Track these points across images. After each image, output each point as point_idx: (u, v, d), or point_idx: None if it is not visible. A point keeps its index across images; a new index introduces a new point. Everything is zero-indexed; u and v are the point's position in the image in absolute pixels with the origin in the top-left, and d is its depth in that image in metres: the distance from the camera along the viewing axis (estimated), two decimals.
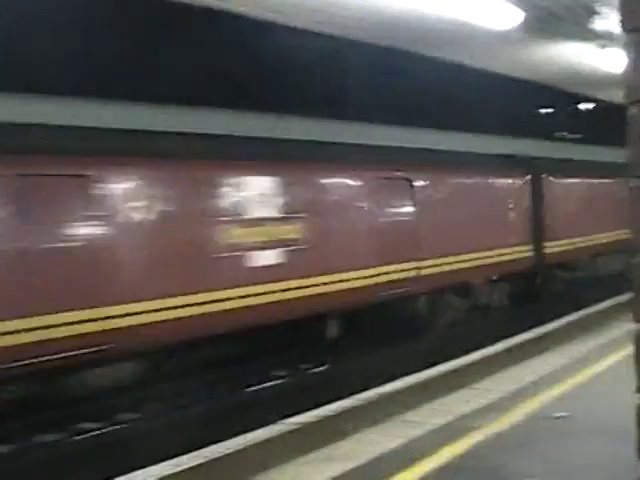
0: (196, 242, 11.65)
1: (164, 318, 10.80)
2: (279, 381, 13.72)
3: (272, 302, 12.55)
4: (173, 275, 11.24)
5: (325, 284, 13.64)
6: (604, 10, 8.21)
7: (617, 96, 14.69)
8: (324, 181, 14.69)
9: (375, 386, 10.47)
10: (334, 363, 14.87)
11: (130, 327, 10.39)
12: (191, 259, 11.52)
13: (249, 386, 13.17)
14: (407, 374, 11.11)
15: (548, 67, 11.15)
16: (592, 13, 8.27)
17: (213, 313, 11.54)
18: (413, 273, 15.86)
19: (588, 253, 24.98)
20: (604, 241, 24.96)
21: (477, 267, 18.29)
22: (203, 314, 11.37)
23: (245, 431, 8.30)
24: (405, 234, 15.85)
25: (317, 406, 9.45)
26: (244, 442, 7.94)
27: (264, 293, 12.43)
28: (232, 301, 11.83)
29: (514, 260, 20.10)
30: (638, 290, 1.35)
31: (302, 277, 13.18)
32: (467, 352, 12.74)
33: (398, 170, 16.26)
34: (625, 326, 14.29)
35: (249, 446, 7.82)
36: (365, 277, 14.76)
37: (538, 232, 21.44)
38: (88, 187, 10.19)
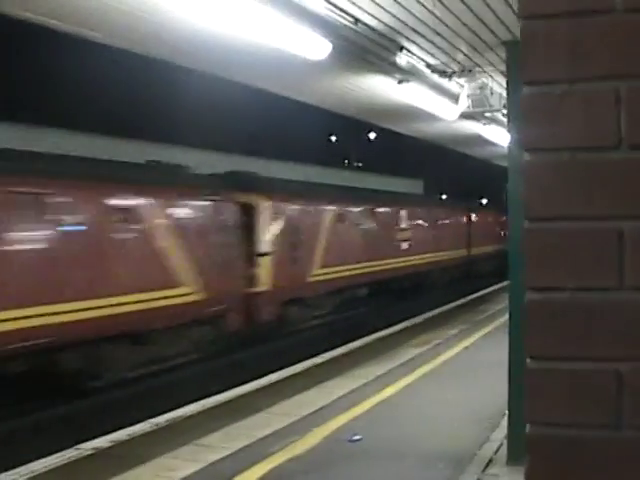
0: None
1: None
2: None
3: None
4: None
5: None
6: (409, 46, 8.56)
7: (413, 129, 15.33)
8: None
9: (167, 411, 10.37)
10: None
11: None
12: None
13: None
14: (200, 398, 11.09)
15: (349, 98, 11.48)
16: (398, 48, 8.60)
17: None
18: None
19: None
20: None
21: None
22: None
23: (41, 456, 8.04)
24: None
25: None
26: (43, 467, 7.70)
27: None
28: None
29: None
30: (530, 324, 1.42)
31: None
32: (261, 376, 12.84)
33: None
34: (417, 350, 14.89)
35: (43, 472, 7.58)
36: None
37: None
38: None
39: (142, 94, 34.24)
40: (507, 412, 8.55)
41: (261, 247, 17.80)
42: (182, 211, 15.43)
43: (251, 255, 17.65)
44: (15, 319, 11.36)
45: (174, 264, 14.81)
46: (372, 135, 54.06)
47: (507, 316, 18.81)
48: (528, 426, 1.45)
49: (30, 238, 12.10)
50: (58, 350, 12.39)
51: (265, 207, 18.07)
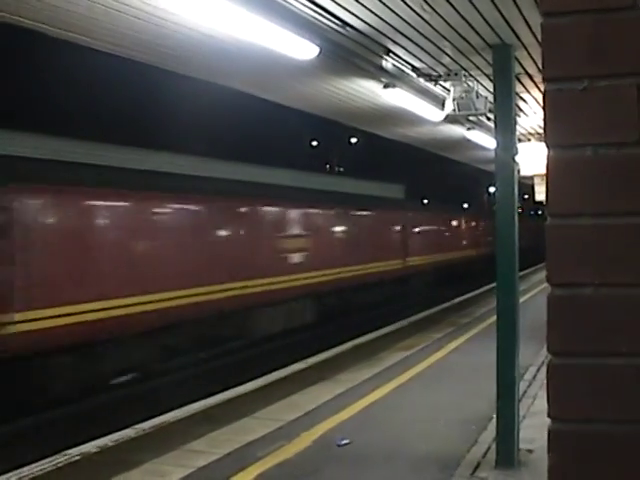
0: None
1: None
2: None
3: None
4: None
5: None
6: (396, 49, 8.58)
7: (397, 133, 15.36)
8: None
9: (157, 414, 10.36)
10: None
11: None
12: None
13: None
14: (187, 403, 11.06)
15: (334, 102, 11.49)
16: (385, 52, 8.61)
17: None
18: None
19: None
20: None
21: None
22: None
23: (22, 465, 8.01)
24: None
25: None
26: (30, 473, 7.67)
27: None
28: None
29: None
30: (553, 321, 1.42)
31: None
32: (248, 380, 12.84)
33: None
34: (403, 353, 14.90)
35: (35, 477, 7.55)
36: None
37: None
38: None
39: (120, 96, 34.10)
40: (495, 415, 8.58)
41: None
42: None
43: None
44: None
45: None
46: (353, 140, 54.13)
47: (494, 319, 19.06)
48: (550, 423, 1.45)
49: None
50: None
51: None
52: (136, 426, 9.80)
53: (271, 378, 13.16)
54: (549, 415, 1.45)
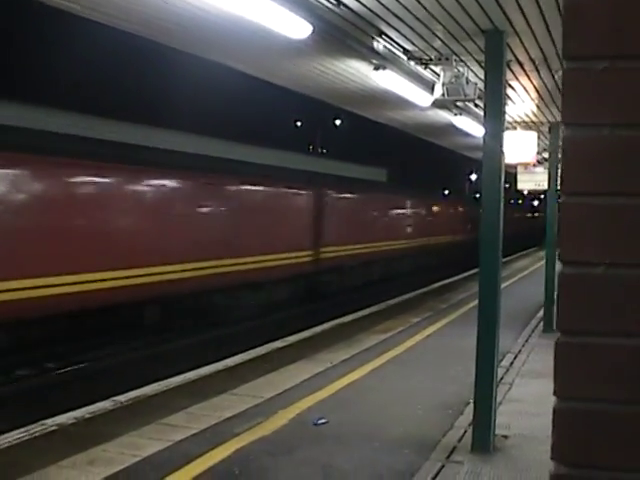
0: None
1: None
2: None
3: None
4: None
5: None
6: (388, 31, 8.55)
7: (384, 116, 15.33)
8: None
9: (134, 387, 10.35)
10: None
11: None
12: None
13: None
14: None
15: (324, 82, 11.45)
16: (378, 33, 8.58)
17: None
18: None
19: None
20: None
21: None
22: None
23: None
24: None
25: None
26: (6, 442, 7.64)
27: None
28: None
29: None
30: (563, 299, 1.42)
31: None
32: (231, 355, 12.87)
33: None
34: (380, 336, 14.94)
35: (11, 446, 7.52)
36: None
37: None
38: None
39: (109, 70, 33.91)
40: (473, 400, 8.62)
41: None
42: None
43: None
44: None
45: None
46: (338, 122, 54.06)
47: (471, 304, 19.17)
48: (556, 400, 1.45)
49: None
50: None
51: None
52: (113, 398, 9.79)
53: (250, 355, 13.17)
54: (555, 393, 1.45)
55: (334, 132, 54.97)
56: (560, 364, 1.45)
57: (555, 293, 18.81)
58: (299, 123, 55.37)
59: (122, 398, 9.89)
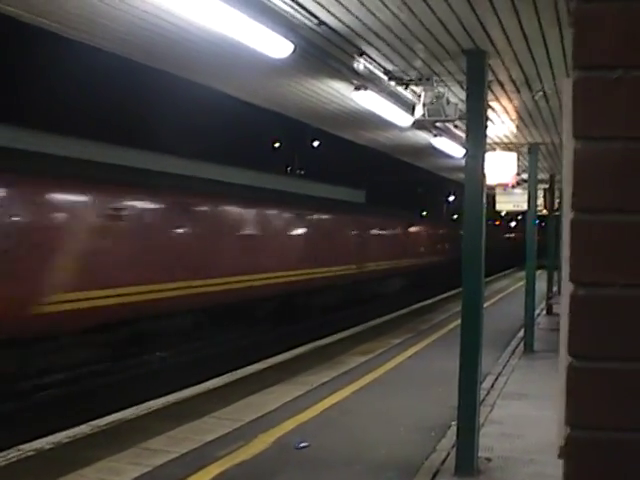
0: None
1: None
2: None
3: None
4: None
5: None
6: (369, 51, 8.50)
7: (363, 137, 15.30)
8: None
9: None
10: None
11: None
12: None
13: None
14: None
15: (304, 103, 11.40)
16: (359, 53, 8.53)
17: None
18: None
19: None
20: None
21: None
22: None
23: None
24: None
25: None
26: None
27: None
28: None
29: None
30: (575, 321, 1.35)
31: None
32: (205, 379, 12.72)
33: None
34: (361, 358, 14.84)
35: None
36: None
37: None
38: None
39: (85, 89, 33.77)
40: (456, 422, 8.54)
41: None
42: None
43: None
44: None
45: None
46: (316, 143, 54.13)
47: (452, 326, 19.12)
48: (568, 429, 1.38)
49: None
50: None
51: None
52: (91, 422, 9.64)
53: (230, 378, 13.03)
54: (567, 421, 1.37)
55: (312, 153, 55.01)
56: (572, 391, 1.37)
57: (536, 313, 18.86)
58: (277, 144, 55.36)
59: (101, 422, 9.73)
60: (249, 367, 14.16)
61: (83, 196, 14.89)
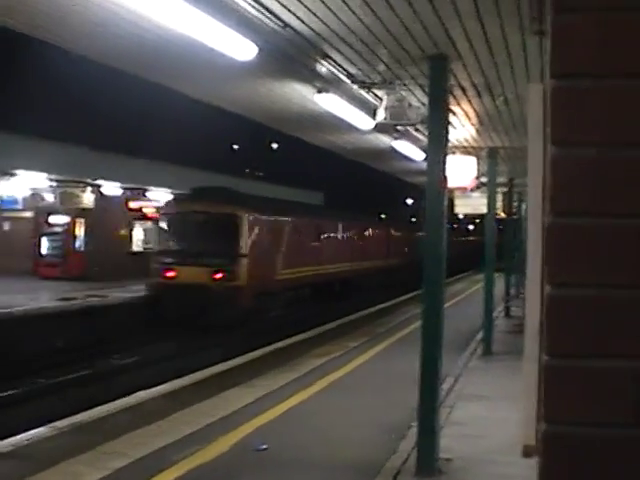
0: None
1: None
2: None
3: None
4: None
5: None
6: (333, 54, 8.56)
7: (324, 140, 15.37)
8: None
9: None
10: None
11: None
12: None
13: None
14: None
15: (266, 105, 11.44)
16: (322, 56, 8.58)
17: None
18: None
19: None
20: None
21: None
22: None
23: None
24: None
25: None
26: None
27: None
28: None
29: None
30: (549, 320, 1.41)
31: None
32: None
33: None
34: (320, 360, 14.88)
35: None
36: None
37: None
38: None
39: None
40: (416, 423, 8.62)
41: None
42: None
43: None
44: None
45: None
46: (275, 145, 54.15)
47: (409, 328, 19.24)
48: (544, 425, 1.43)
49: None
50: None
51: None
52: (51, 425, 9.57)
53: (187, 381, 13.01)
54: (544, 418, 1.43)
55: (271, 155, 55.03)
56: (548, 388, 1.43)
57: (494, 314, 19.01)
58: (236, 146, 55.29)
59: (61, 424, 9.68)
60: (206, 370, 14.15)
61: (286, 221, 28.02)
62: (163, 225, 24.41)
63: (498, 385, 12.41)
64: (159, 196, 34.53)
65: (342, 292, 33.04)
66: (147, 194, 33.72)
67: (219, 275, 22.46)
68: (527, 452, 3.08)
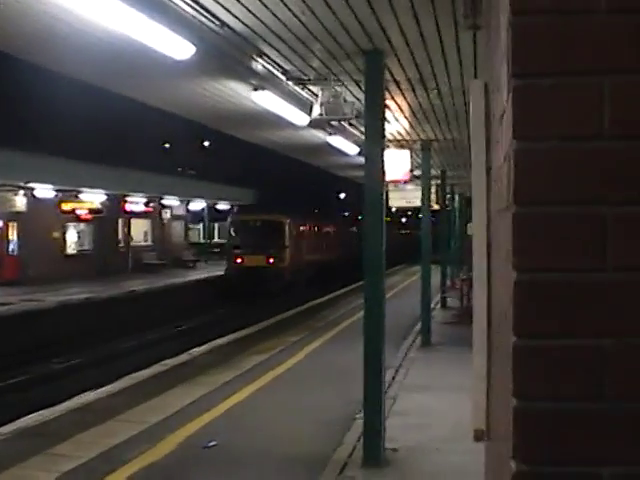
0: None
1: None
2: None
3: None
4: None
5: None
6: (269, 52, 8.61)
7: (260, 138, 15.40)
8: None
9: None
10: None
11: None
12: None
13: None
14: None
15: (202, 104, 11.44)
16: (258, 54, 8.63)
17: None
18: None
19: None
20: None
21: None
22: None
23: None
24: None
25: None
26: None
27: None
28: None
29: None
30: (519, 304, 1.51)
31: None
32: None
33: None
34: (261, 357, 14.94)
35: None
36: None
37: None
38: None
39: None
40: (361, 415, 8.75)
41: None
42: None
43: None
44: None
45: None
46: (206, 143, 53.97)
47: (347, 323, 19.42)
48: (514, 400, 1.53)
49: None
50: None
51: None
52: None
53: (130, 381, 12.97)
54: (513, 394, 1.52)
55: (204, 153, 54.81)
56: (517, 366, 1.53)
57: (432, 306, 19.25)
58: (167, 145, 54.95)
59: (4, 430, 9.61)
60: (145, 371, 14.12)
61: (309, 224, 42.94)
62: (233, 228, 37.33)
63: (439, 375, 12.63)
64: (93, 197, 34.22)
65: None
66: (80, 196, 33.39)
67: (271, 260, 35.32)
68: (477, 436, 3.21)
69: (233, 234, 36.95)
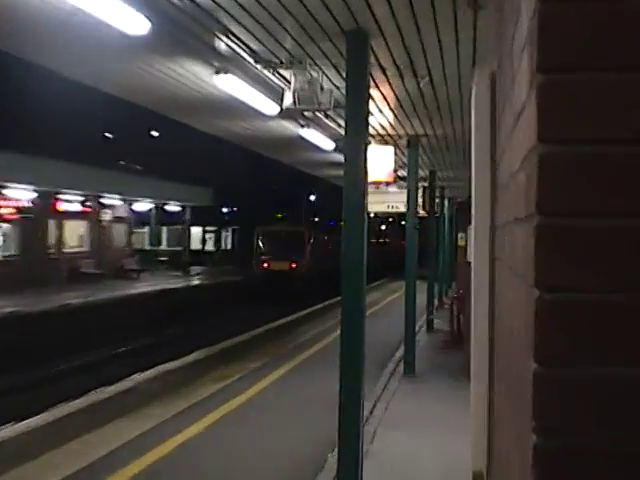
0: None
1: None
2: None
3: None
4: None
5: None
6: (235, 29, 8.62)
7: (221, 128, 15.39)
8: None
9: None
10: None
11: None
12: None
13: None
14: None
15: (161, 89, 11.45)
16: (223, 31, 8.64)
17: None
18: None
19: None
20: None
21: None
22: None
23: None
24: None
25: None
26: None
27: None
28: None
29: None
30: (540, 330, 1.56)
31: None
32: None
33: None
34: (217, 385, 14.92)
35: None
36: None
37: None
38: None
39: None
40: (334, 454, 8.77)
41: None
42: None
43: None
44: None
45: None
46: (155, 133, 53.79)
47: (315, 348, 19.41)
48: (534, 437, 1.57)
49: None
50: None
51: None
52: None
53: (71, 408, 12.96)
54: (534, 430, 1.56)
55: (151, 144, 54.63)
56: (536, 398, 1.57)
57: (417, 328, 19.23)
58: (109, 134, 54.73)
59: None
60: (77, 401, 14.08)
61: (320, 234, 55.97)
62: (259, 238, 49.47)
63: (424, 410, 12.68)
64: (19, 194, 34.00)
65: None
66: (3, 191, 33.16)
67: (294, 265, 47.33)
68: (476, 479, 3.24)
69: (260, 243, 49.49)
